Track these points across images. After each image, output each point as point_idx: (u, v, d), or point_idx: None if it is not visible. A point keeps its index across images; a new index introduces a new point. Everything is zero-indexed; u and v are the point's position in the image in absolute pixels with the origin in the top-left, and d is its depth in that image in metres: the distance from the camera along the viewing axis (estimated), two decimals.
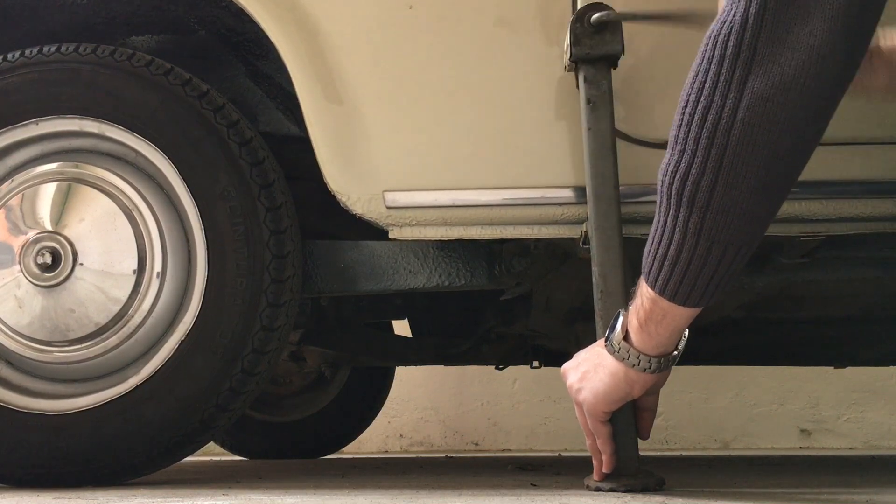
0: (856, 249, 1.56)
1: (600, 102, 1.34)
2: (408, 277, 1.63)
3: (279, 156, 1.60)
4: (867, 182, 1.40)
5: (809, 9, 0.98)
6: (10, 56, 1.54)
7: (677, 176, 1.06)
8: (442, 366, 2.54)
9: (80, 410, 1.47)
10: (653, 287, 1.12)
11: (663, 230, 1.09)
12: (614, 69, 1.36)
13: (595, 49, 1.34)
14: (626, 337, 1.18)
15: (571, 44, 1.35)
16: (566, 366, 1.26)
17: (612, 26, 1.34)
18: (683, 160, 1.05)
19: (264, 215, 1.48)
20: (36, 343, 1.49)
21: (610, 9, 1.34)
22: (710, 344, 1.97)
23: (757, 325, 1.93)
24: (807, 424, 3.42)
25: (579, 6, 1.39)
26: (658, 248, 1.10)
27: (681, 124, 1.05)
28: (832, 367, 2.25)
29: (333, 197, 1.48)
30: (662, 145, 1.37)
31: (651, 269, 1.12)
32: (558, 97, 1.43)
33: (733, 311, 1.76)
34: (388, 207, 1.45)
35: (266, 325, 1.47)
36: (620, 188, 1.33)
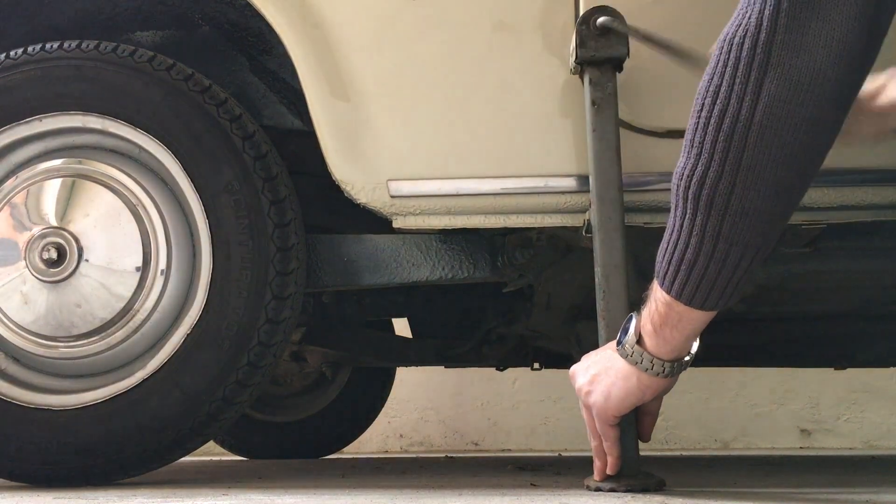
0: (857, 239, 1.56)
1: (605, 105, 1.34)
2: (411, 270, 1.63)
3: (282, 150, 1.61)
4: (868, 170, 1.40)
5: (825, 9, 0.97)
6: (12, 53, 1.55)
7: (694, 180, 1.05)
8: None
9: (86, 405, 1.47)
10: (668, 291, 1.11)
11: (679, 234, 1.08)
12: (619, 72, 1.36)
13: (600, 52, 1.34)
14: (639, 341, 1.17)
15: (577, 46, 1.35)
16: (575, 368, 1.26)
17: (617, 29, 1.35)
18: (700, 164, 1.04)
19: (268, 208, 1.48)
20: (41, 339, 1.49)
21: (616, 12, 1.34)
22: (709, 344, 1.96)
23: (757, 325, 1.92)
24: (807, 424, 3.41)
25: (582, 7, 1.40)
26: (674, 253, 1.09)
27: (696, 128, 1.04)
28: (832, 368, 2.25)
29: (336, 191, 1.48)
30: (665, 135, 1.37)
31: (666, 273, 1.11)
32: (561, 87, 1.43)
33: (735, 305, 1.76)
34: (393, 196, 1.46)
35: (271, 317, 1.47)
36: (623, 177, 1.33)
